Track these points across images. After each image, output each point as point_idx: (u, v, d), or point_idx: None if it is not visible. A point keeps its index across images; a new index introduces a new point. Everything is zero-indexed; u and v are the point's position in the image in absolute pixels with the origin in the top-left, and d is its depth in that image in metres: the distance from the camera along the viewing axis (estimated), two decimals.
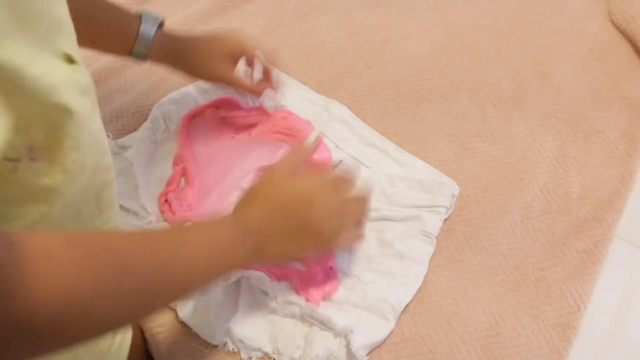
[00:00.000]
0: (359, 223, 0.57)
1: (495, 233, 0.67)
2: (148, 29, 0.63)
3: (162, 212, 0.66)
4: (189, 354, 0.60)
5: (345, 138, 0.72)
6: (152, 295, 0.38)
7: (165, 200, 0.67)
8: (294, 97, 0.77)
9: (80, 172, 0.37)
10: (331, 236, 0.53)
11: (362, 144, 0.73)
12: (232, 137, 0.72)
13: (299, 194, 0.51)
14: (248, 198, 0.52)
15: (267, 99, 0.73)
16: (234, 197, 0.63)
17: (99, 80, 0.82)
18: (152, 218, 0.66)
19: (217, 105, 0.74)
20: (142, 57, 0.65)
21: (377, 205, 0.67)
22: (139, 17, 0.63)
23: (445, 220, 0.67)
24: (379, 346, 0.59)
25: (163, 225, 0.65)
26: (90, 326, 0.33)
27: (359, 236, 0.58)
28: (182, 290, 0.42)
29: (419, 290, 0.62)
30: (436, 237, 0.65)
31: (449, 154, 0.73)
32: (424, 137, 0.75)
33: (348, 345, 0.56)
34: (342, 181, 0.55)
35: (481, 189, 0.70)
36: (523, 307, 0.62)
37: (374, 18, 0.90)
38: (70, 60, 0.34)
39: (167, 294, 0.40)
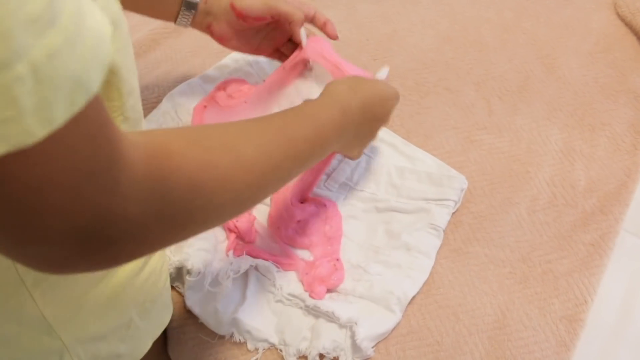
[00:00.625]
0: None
1: (502, 225, 0.67)
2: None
3: None
4: (196, 344, 0.60)
5: (377, 152, 0.72)
6: (265, 186, 0.41)
7: None
8: (300, 88, 0.77)
9: (139, 119, 0.39)
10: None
11: None
12: (245, 102, 0.70)
13: (386, 106, 0.59)
14: (353, 85, 0.55)
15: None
16: None
17: None
18: None
19: (225, 87, 0.73)
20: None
21: (385, 196, 0.66)
22: None
23: (453, 213, 0.67)
24: (385, 338, 0.59)
25: None
26: (211, 216, 0.36)
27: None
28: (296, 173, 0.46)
29: (425, 283, 0.62)
30: (444, 231, 0.65)
31: (456, 146, 0.73)
32: (430, 130, 0.74)
33: (353, 337, 0.56)
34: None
35: (488, 182, 0.70)
36: (530, 299, 0.62)
37: (380, 11, 0.90)
38: None
39: (284, 179, 0.44)
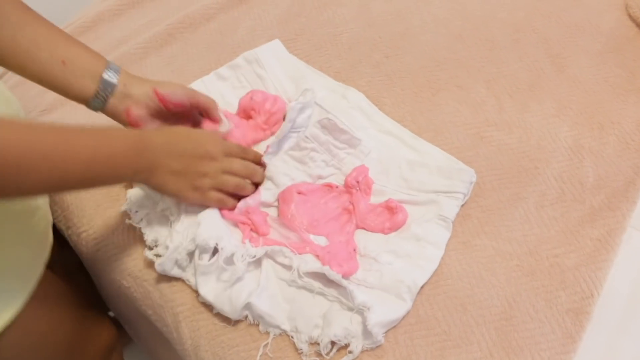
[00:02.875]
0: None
1: (510, 220, 0.68)
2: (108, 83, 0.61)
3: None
4: (209, 331, 0.62)
5: (362, 125, 0.74)
6: (32, 176, 0.46)
7: None
8: (313, 85, 0.78)
9: None
10: (205, 186, 0.61)
11: (379, 131, 0.74)
12: None
13: (197, 139, 0.61)
14: (162, 129, 0.61)
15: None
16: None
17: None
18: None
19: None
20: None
21: (395, 188, 0.68)
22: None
23: (462, 206, 0.68)
24: (394, 327, 0.60)
25: None
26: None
27: (225, 202, 0.64)
28: (62, 177, 0.49)
29: (434, 273, 0.63)
30: (452, 223, 0.66)
31: (465, 142, 0.74)
32: (441, 126, 0.76)
33: (364, 323, 0.57)
34: (234, 150, 0.65)
35: (497, 177, 0.71)
36: (536, 291, 0.63)
37: (392, 9, 0.91)
38: None
39: (50, 178, 0.48)
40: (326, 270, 0.59)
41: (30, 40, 0.57)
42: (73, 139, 0.49)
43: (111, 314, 0.89)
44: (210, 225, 0.61)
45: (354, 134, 0.69)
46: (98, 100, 0.61)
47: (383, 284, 0.61)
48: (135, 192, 0.68)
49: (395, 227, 0.65)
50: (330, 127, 0.69)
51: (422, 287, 0.62)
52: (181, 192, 0.60)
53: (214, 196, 0.62)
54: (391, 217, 0.66)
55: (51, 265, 0.64)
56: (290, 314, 0.60)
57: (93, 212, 0.70)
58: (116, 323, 0.85)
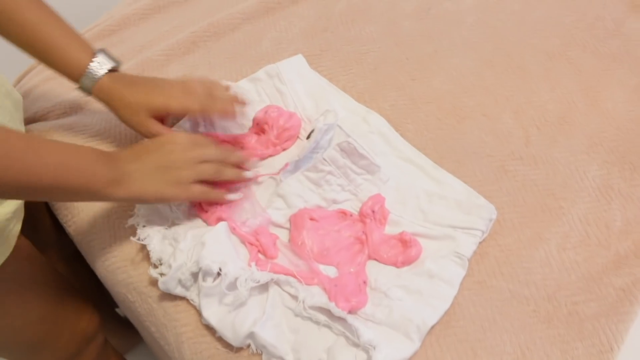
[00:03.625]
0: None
1: (530, 261, 0.65)
2: (96, 69, 0.63)
3: (193, 206, 0.67)
4: (211, 355, 0.60)
5: (382, 151, 0.72)
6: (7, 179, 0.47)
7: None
8: (334, 105, 0.76)
9: None
10: (184, 179, 0.60)
11: (399, 158, 0.72)
12: None
13: (160, 140, 0.61)
14: (130, 147, 0.60)
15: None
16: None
17: (140, 72, 0.83)
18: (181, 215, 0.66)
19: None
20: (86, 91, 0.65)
21: (412, 219, 0.66)
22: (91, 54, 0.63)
23: (480, 243, 0.65)
24: None
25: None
26: None
27: (208, 193, 0.63)
28: (33, 184, 0.50)
29: (446, 313, 0.61)
30: (469, 260, 0.64)
31: (488, 175, 0.72)
32: (464, 156, 0.73)
33: None
34: (201, 140, 0.63)
35: (518, 214, 0.68)
36: (552, 340, 0.60)
37: (422, 29, 0.88)
38: None
39: (20, 183, 0.49)
40: (332, 307, 0.57)
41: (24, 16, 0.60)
42: (42, 149, 0.51)
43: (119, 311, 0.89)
44: (214, 247, 0.59)
45: (373, 160, 0.67)
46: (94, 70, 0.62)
47: (392, 321, 0.59)
48: (145, 207, 0.67)
49: (408, 262, 0.63)
50: (349, 151, 0.67)
51: (432, 327, 0.60)
52: (162, 191, 0.59)
53: (197, 189, 0.61)
54: (405, 250, 0.63)
55: (44, 248, 0.64)
56: (295, 345, 0.59)
57: (103, 222, 0.69)
58: (127, 323, 0.85)
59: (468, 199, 0.67)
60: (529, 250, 0.66)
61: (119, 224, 0.69)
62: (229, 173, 0.64)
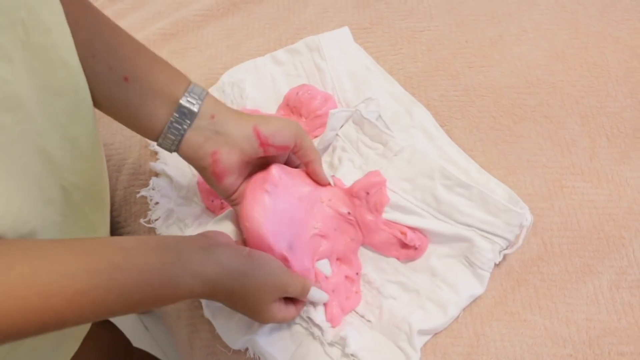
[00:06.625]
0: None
1: (575, 297, 0.57)
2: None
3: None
4: (209, 353, 0.57)
5: (424, 150, 0.63)
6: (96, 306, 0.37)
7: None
8: (377, 89, 0.68)
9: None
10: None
11: (442, 159, 0.63)
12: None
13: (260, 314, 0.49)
14: (233, 271, 0.45)
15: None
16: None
17: (175, 33, 0.78)
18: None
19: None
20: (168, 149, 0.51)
21: (419, 205, 0.57)
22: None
23: (517, 268, 0.58)
24: None
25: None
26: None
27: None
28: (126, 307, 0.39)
29: (469, 344, 0.54)
30: (489, 272, 0.56)
31: (541, 189, 0.63)
32: (515, 164, 0.64)
33: None
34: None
35: (569, 240, 0.60)
36: None
37: (488, 8, 0.78)
38: None
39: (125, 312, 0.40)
40: (326, 328, 0.54)
41: (84, 46, 0.42)
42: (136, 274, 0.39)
43: None
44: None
45: (383, 129, 0.60)
46: (173, 133, 0.47)
47: (381, 325, 0.54)
48: (159, 181, 0.63)
49: (407, 258, 0.57)
50: (359, 121, 0.61)
51: (450, 355, 0.54)
52: (265, 319, 0.50)
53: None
54: (405, 251, 0.57)
55: None
56: (294, 356, 0.54)
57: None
58: None
59: (500, 199, 0.56)
60: (575, 283, 0.58)
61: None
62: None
